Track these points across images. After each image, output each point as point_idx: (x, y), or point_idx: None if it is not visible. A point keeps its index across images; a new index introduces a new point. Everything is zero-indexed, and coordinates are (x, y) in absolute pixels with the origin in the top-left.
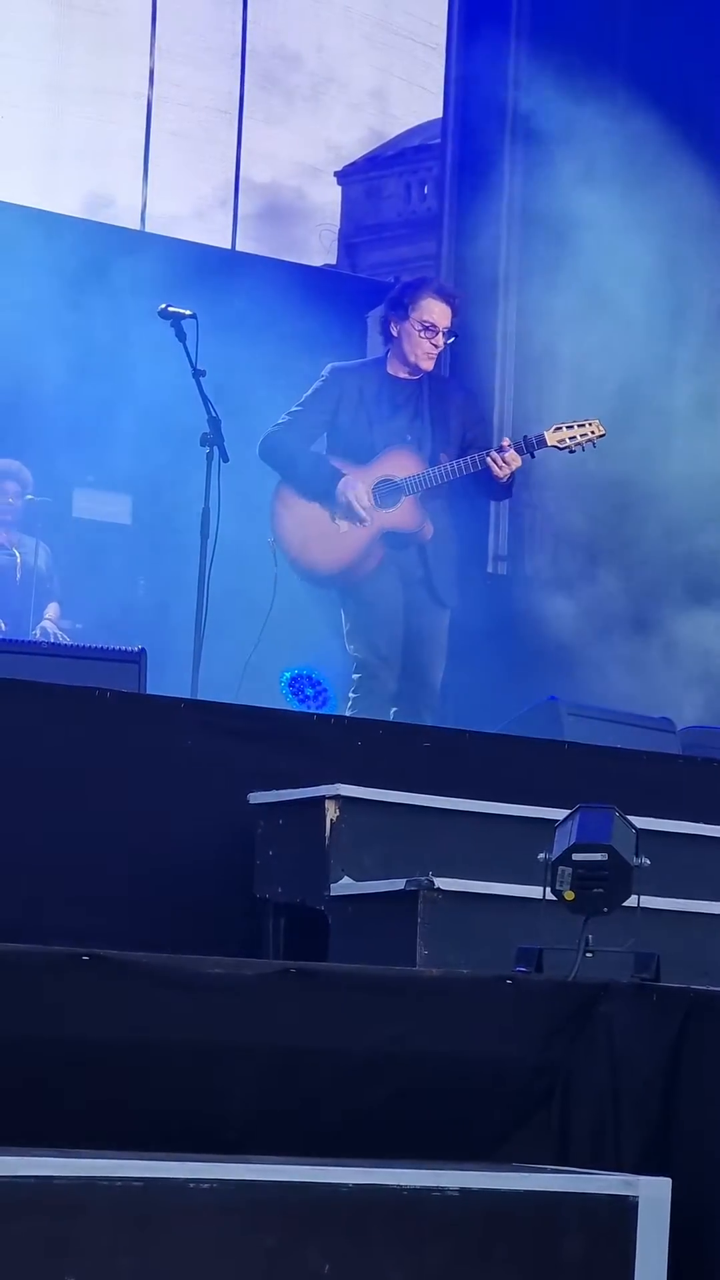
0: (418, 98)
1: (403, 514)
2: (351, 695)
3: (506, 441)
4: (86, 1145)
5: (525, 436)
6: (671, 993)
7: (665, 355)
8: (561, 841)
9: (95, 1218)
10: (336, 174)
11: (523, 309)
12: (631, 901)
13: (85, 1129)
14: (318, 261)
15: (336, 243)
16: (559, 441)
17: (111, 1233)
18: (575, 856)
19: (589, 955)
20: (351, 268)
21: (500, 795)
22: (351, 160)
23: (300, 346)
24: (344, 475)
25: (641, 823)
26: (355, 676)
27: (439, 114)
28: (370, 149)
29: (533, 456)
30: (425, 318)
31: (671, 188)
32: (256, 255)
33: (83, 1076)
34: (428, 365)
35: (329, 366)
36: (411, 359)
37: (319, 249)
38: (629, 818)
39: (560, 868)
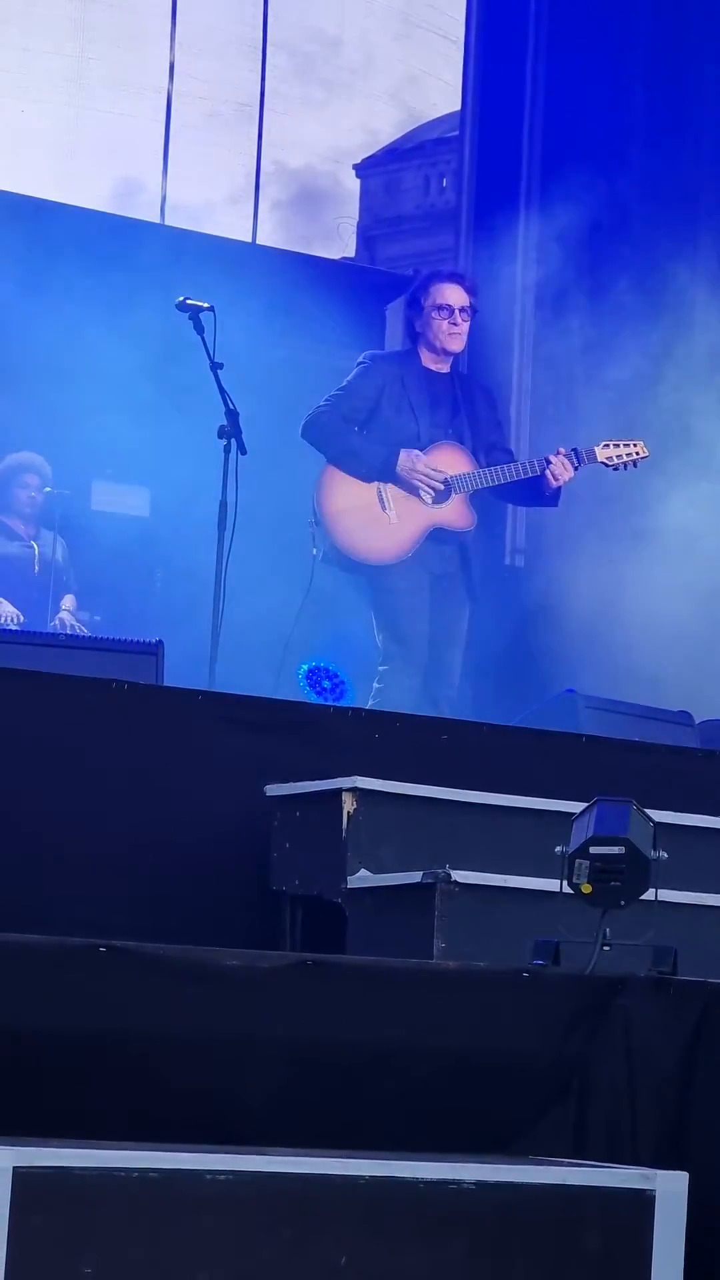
0: (437, 90)
1: (454, 511)
2: (376, 685)
3: (562, 451)
4: (103, 1137)
5: (575, 449)
6: (689, 986)
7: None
8: (579, 835)
9: (112, 1208)
10: (355, 167)
11: (541, 304)
12: (649, 895)
13: (102, 1120)
14: (342, 250)
15: (355, 235)
16: (607, 459)
17: (128, 1223)
18: (593, 850)
19: (606, 949)
20: (370, 260)
21: (517, 788)
22: (370, 153)
23: (318, 339)
24: (401, 452)
25: (659, 816)
26: (381, 668)
27: (458, 107)
28: (389, 141)
29: (582, 465)
30: (438, 300)
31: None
32: (275, 248)
33: (99, 1068)
34: (454, 345)
35: (367, 354)
36: (438, 344)
37: (340, 241)
38: (647, 811)
39: (578, 861)
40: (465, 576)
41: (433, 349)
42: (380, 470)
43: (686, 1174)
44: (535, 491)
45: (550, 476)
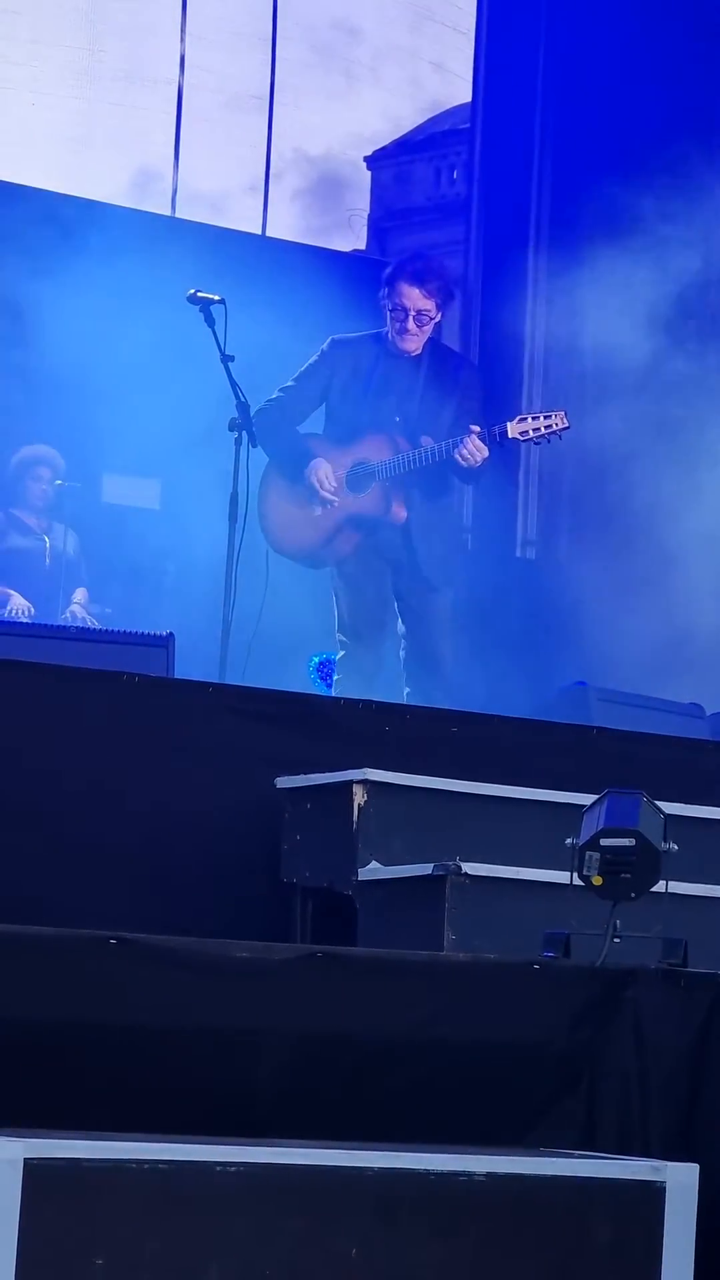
0: (447, 82)
1: (370, 499)
2: (335, 676)
3: (475, 429)
4: (114, 1128)
5: (489, 428)
6: (699, 978)
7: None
8: (589, 826)
9: (123, 1200)
10: (366, 159)
11: (552, 294)
12: (659, 887)
13: (113, 1112)
14: (354, 243)
15: (366, 227)
16: (520, 433)
17: (139, 1215)
18: (603, 841)
19: (617, 940)
20: (381, 252)
21: (528, 780)
22: (380, 145)
23: (329, 331)
24: (314, 458)
25: (670, 808)
26: (339, 656)
27: (469, 99)
28: (399, 134)
29: (501, 446)
30: (396, 299)
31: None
32: (286, 241)
33: (110, 1060)
34: (409, 346)
35: (329, 339)
36: (398, 341)
37: (351, 233)
38: (657, 803)
39: (588, 853)
40: (413, 564)
41: (393, 341)
42: (300, 476)
43: (697, 1165)
44: (452, 472)
45: (459, 457)
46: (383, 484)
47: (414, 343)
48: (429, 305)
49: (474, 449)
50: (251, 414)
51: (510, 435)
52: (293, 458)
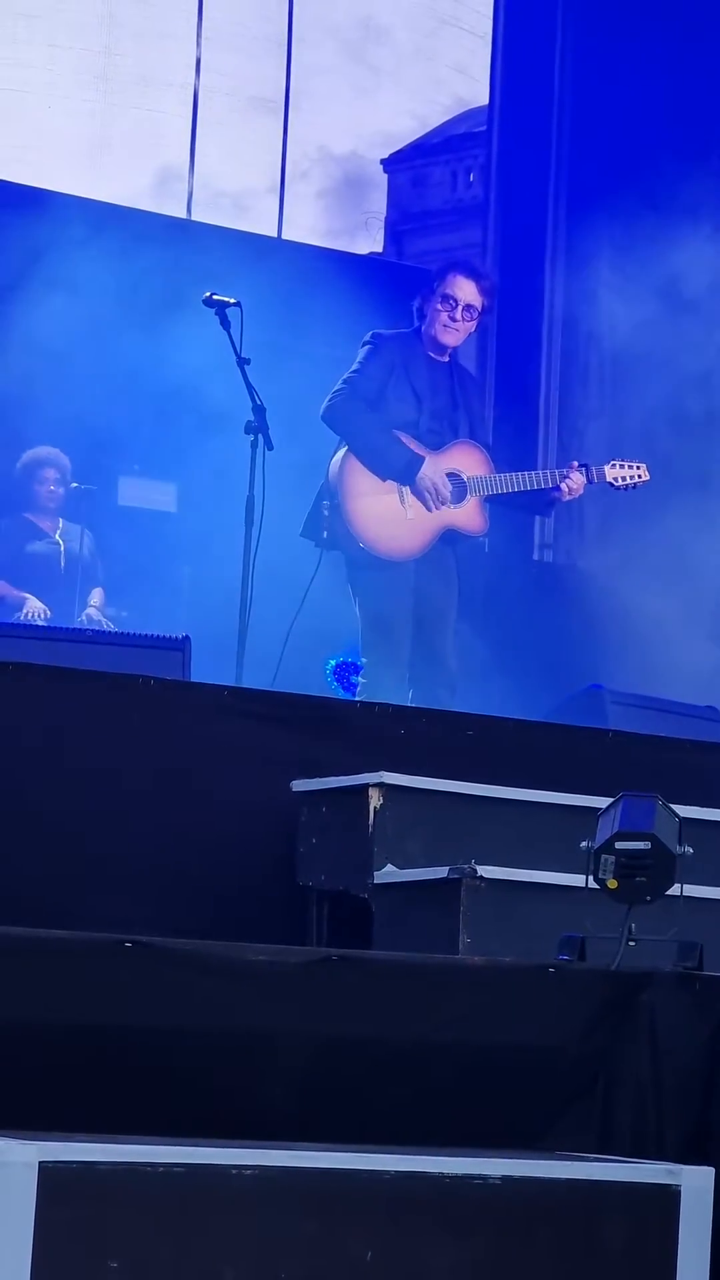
0: (465, 84)
1: (469, 514)
2: (360, 680)
3: (576, 465)
4: (128, 1132)
5: (586, 466)
6: (715, 982)
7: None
8: (605, 830)
9: (137, 1204)
10: (383, 162)
11: (569, 297)
12: (675, 890)
13: (127, 1115)
14: (370, 246)
15: (383, 230)
16: (614, 479)
17: (154, 1218)
18: (618, 845)
19: (632, 944)
20: (398, 255)
21: (543, 783)
22: (397, 148)
23: (346, 335)
24: (424, 460)
25: (685, 811)
26: (364, 662)
27: (485, 101)
28: (416, 136)
29: (592, 484)
30: (446, 290)
31: None
32: (302, 243)
33: (125, 1063)
34: (447, 339)
35: (372, 333)
36: (433, 333)
37: (368, 236)
38: (672, 806)
39: (603, 856)
40: (458, 570)
41: (431, 338)
42: (402, 474)
43: (712, 1169)
44: (539, 500)
45: (565, 489)
46: (479, 500)
47: (453, 337)
48: (479, 302)
49: (577, 485)
50: (324, 405)
51: (607, 479)
52: (389, 454)
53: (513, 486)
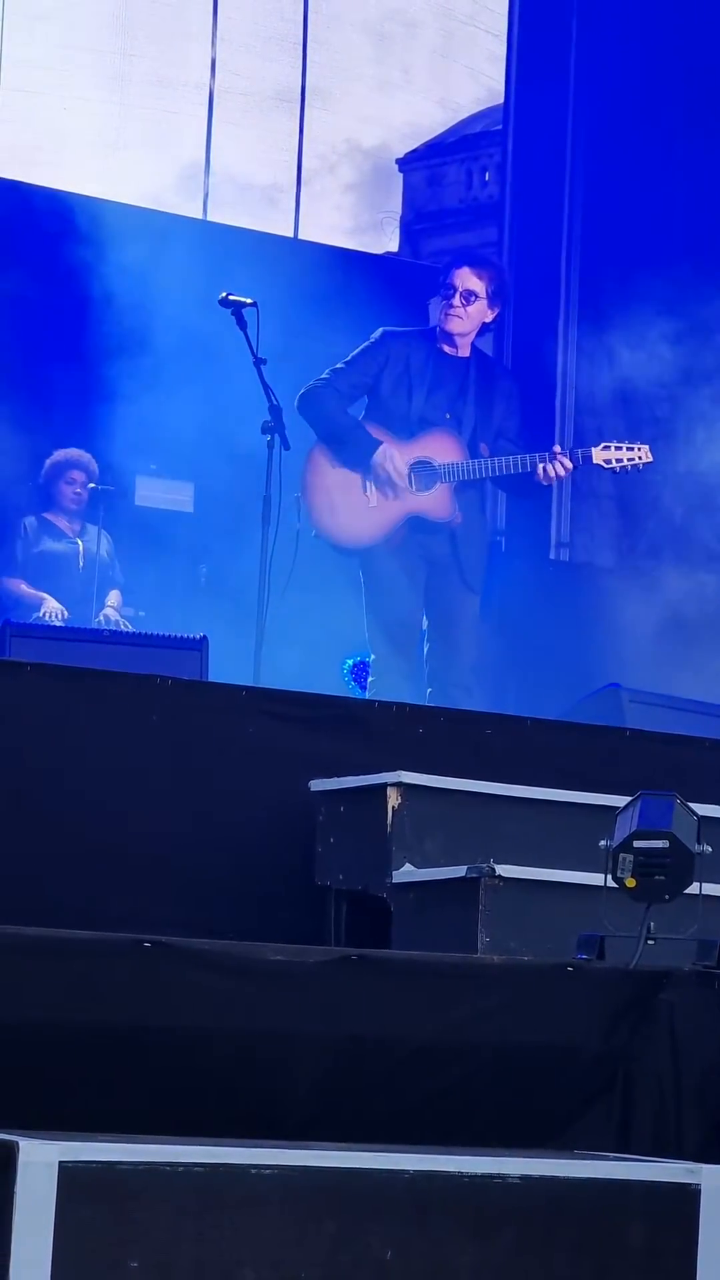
0: (480, 84)
1: (435, 500)
2: (370, 679)
3: (559, 449)
4: (148, 1132)
5: (573, 450)
6: None
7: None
8: (623, 828)
9: (157, 1204)
10: (398, 161)
11: (584, 295)
12: (693, 889)
13: (148, 1115)
14: (385, 245)
15: (398, 230)
16: (605, 460)
17: (174, 1218)
18: (637, 844)
19: (650, 943)
20: (413, 255)
21: (562, 782)
22: (412, 147)
23: (362, 334)
24: (381, 444)
25: (703, 810)
26: (371, 658)
27: (501, 100)
28: (431, 136)
29: (579, 466)
30: (454, 281)
31: None
32: (317, 243)
33: (145, 1063)
34: (450, 326)
35: (380, 330)
36: (442, 324)
37: (383, 236)
38: (690, 805)
39: (622, 855)
40: (457, 566)
41: (445, 333)
42: (355, 463)
43: None
44: (526, 485)
45: (541, 473)
46: (449, 485)
47: (458, 324)
48: (478, 286)
49: (561, 468)
50: (299, 394)
51: (595, 461)
52: (348, 442)
53: (485, 472)
